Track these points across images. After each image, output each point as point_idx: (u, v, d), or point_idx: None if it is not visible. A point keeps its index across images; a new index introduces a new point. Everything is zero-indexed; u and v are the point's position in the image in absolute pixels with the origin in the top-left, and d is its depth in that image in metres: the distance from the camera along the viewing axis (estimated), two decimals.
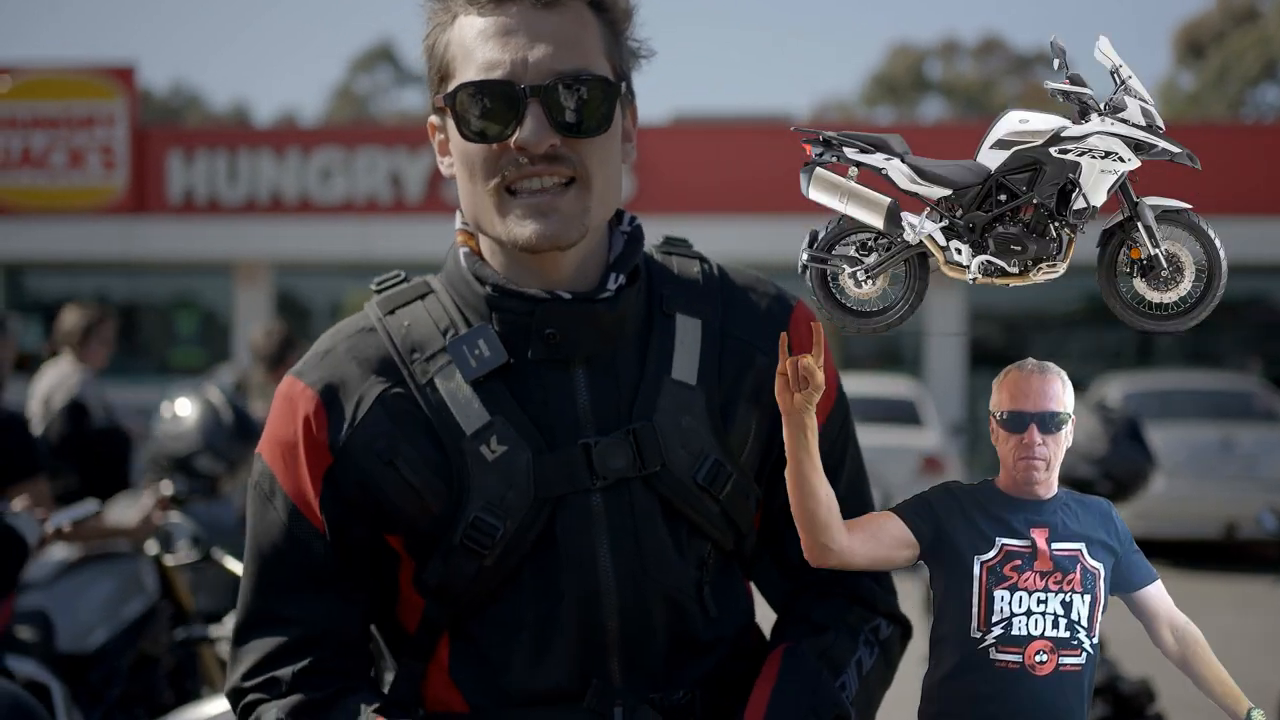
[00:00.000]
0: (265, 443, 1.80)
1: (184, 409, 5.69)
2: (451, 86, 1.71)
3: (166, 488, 5.32)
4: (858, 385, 15.07)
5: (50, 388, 6.73)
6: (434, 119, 1.83)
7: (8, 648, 4.43)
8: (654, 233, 1.93)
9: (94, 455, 6.37)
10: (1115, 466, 4.95)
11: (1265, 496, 11.28)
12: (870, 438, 10.89)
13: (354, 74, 56.54)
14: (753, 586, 1.96)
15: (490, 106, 1.68)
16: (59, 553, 5.20)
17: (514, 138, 1.67)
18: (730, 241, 16.91)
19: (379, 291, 1.86)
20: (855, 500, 1.88)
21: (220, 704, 3.73)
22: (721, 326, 1.81)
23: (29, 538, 4.11)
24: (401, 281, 1.86)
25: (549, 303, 1.72)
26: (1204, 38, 45.46)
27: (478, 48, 1.69)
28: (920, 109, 51.74)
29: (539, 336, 1.72)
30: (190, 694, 5.22)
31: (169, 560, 5.23)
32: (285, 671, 1.74)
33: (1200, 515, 12.68)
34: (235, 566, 5.24)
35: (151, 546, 5.23)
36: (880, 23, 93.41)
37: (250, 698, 1.75)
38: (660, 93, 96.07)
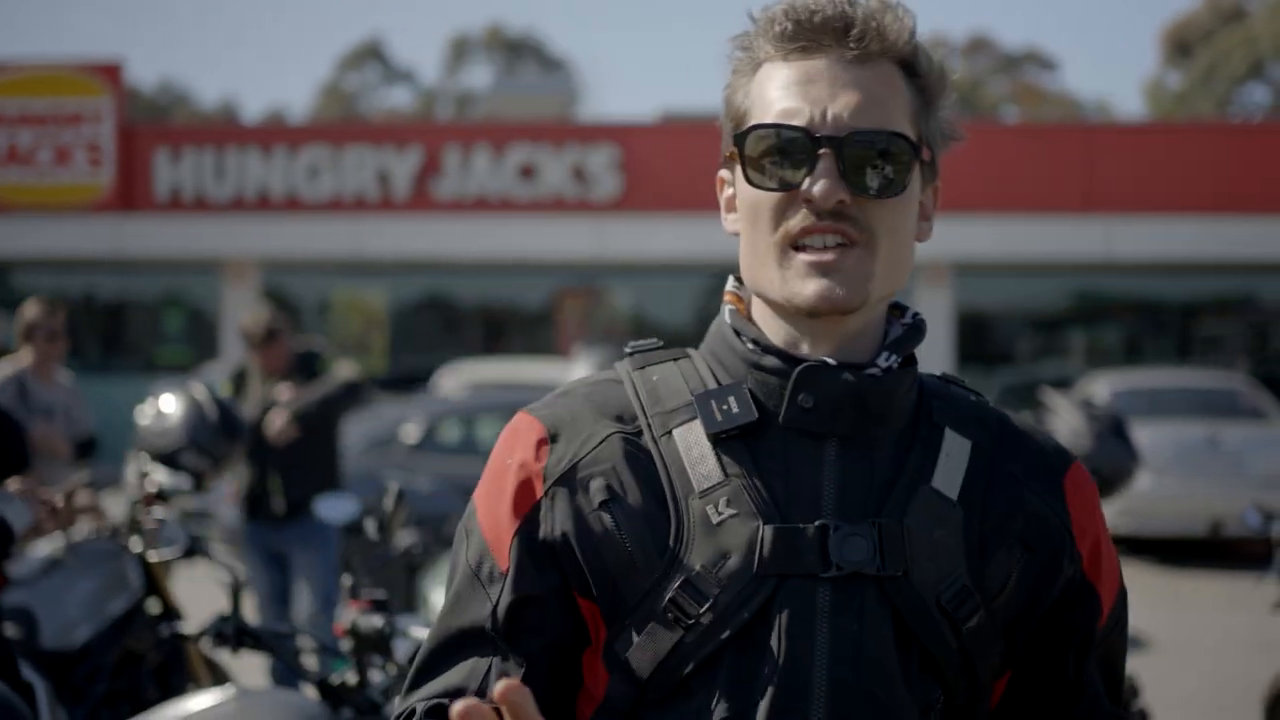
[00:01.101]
0: (481, 479, 1.68)
1: (169, 405, 5.67)
2: (743, 129, 1.60)
3: (151, 484, 5.31)
4: None
5: None
6: (724, 173, 1.69)
7: None
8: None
9: None
10: (1100, 463, 4.95)
11: (1251, 494, 11.30)
12: None
13: (342, 72, 56.50)
14: None
15: (781, 153, 1.56)
16: (43, 550, 5.19)
17: (802, 188, 1.55)
18: (719, 241, 16.88)
19: (633, 354, 1.71)
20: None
21: (204, 699, 3.72)
22: (992, 457, 1.64)
23: (15, 523, 4.10)
24: (660, 348, 1.71)
25: (811, 365, 1.58)
26: (1191, 37, 45.57)
27: (778, 96, 1.58)
28: None
29: (793, 400, 1.58)
30: (175, 690, 5.21)
31: (153, 556, 5.22)
32: None
33: (1186, 513, 12.71)
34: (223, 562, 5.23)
35: (135, 543, 5.22)
36: None
37: None
38: (649, 91, 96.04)
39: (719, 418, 1.57)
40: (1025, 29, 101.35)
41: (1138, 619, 10.28)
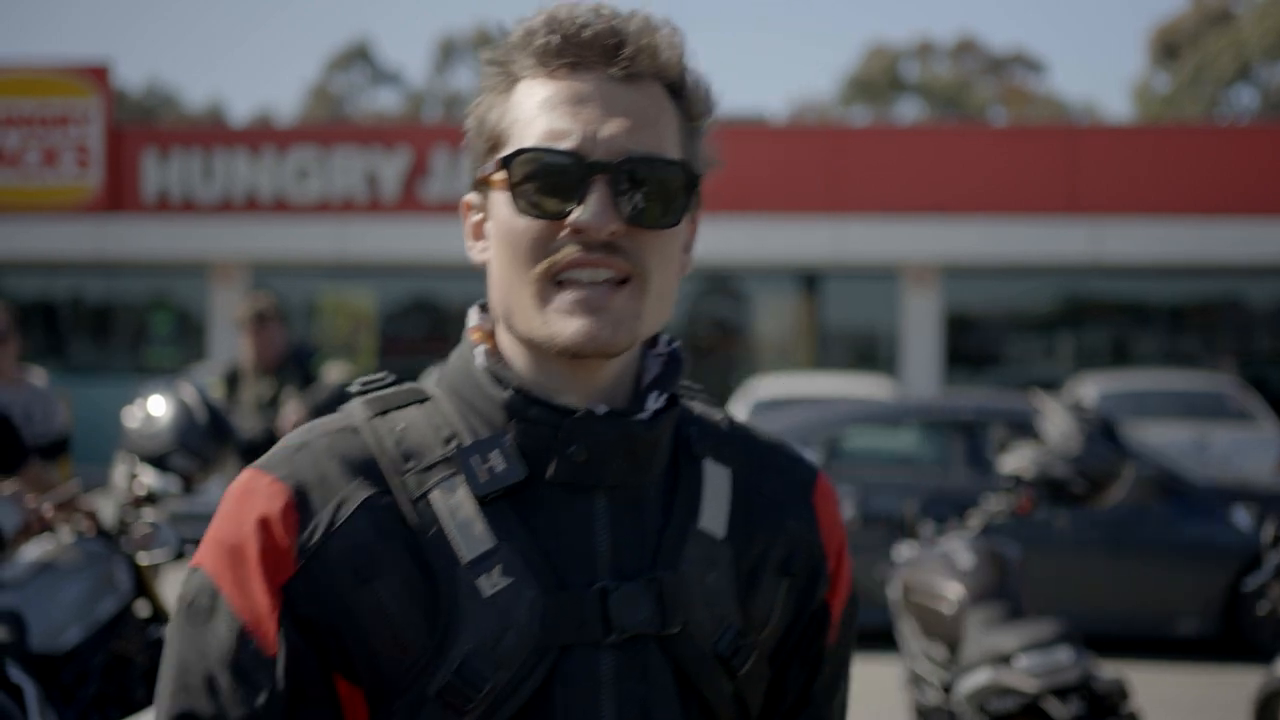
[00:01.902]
0: (207, 548, 1.46)
1: (157, 407, 5.66)
2: (507, 151, 1.47)
3: (140, 486, 5.30)
4: (834, 385, 15.07)
5: None
6: (471, 197, 1.56)
7: None
8: None
9: None
10: (1089, 465, 4.96)
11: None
12: None
13: (330, 73, 56.49)
14: None
15: (550, 179, 1.43)
16: (32, 552, 5.18)
17: (572, 218, 1.42)
18: (707, 243, 16.90)
19: (363, 393, 1.56)
20: None
21: None
22: (748, 482, 1.57)
23: (5, 526, 4.10)
24: (393, 384, 1.57)
25: (580, 416, 1.45)
26: (1179, 39, 45.70)
27: (543, 115, 1.45)
28: (896, 110, 51.87)
29: (562, 454, 1.45)
30: None
31: (143, 559, 5.21)
32: None
33: None
34: None
35: (125, 545, 5.22)
36: (856, 23, 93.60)
37: None
38: None
39: (483, 478, 1.44)
40: (1012, 31, 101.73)
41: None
